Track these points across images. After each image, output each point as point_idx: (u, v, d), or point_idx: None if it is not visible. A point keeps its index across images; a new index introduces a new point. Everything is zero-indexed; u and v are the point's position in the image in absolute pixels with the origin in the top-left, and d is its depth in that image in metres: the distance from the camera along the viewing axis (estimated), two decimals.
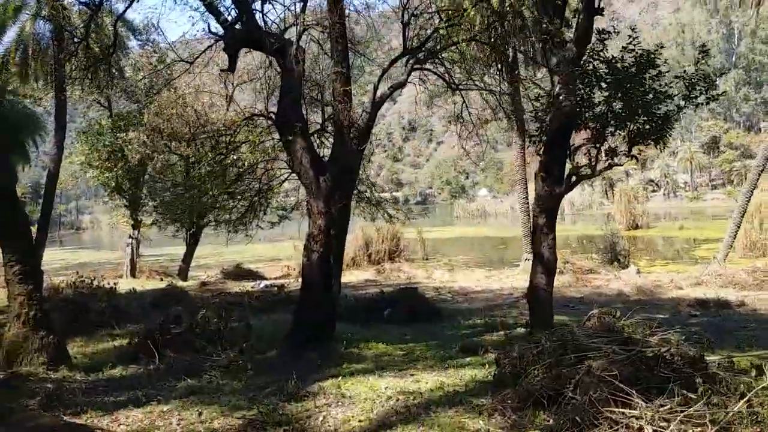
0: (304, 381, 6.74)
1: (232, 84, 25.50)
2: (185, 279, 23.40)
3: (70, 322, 11.20)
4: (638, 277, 16.74)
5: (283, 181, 9.50)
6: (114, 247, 45.51)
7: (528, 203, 20.96)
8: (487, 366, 6.67)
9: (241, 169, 10.06)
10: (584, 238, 32.90)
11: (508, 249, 35.24)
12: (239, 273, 22.04)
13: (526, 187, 21.00)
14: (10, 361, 7.29)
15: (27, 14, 18.02)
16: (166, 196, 18.04)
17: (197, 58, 10.55)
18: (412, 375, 6.61)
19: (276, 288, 15.13)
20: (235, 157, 8.62)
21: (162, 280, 22.72)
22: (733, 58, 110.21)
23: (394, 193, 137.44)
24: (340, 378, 6.56)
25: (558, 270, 19.38)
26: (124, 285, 16.69)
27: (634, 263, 21.48)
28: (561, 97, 7.61)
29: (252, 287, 18.05)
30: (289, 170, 9.37)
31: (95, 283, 14.10)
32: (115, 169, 22.32)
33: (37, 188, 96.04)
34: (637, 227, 44.53)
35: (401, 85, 9.07)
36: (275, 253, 34.81)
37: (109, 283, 14.08)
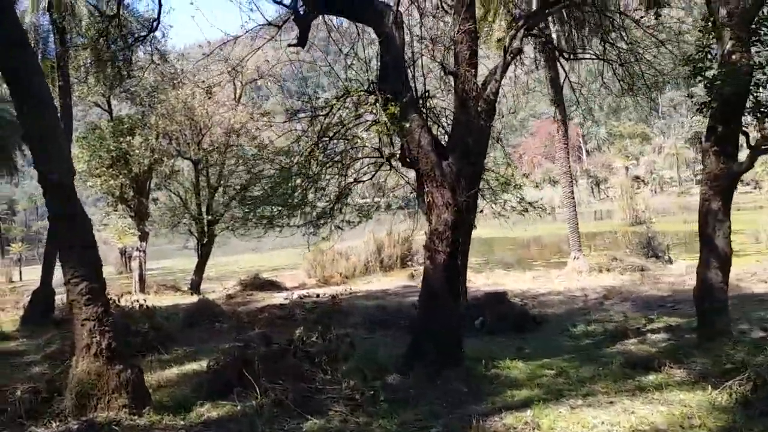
0: (468, 416, 5.32)
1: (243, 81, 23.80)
2: (198, 292, 21.62)
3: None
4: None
5: (378, 170, 7.98)
6: (103, 262, 43.24)
7: (573, 194, 19.71)
8: (702, 387, 5.31)
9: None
10: (593, 235, 31.99)
11: (519, 249, 34.13)
12: (259, 284, 20.35)
13: (571, 177, 19.67)
14: (82, 405, 5.71)
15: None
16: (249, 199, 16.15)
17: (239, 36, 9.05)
18: (610, 404, 5.21)
19: (331, 297, 13.60)
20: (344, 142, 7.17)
21: (176, 294, 21.03)
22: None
23: (375, 199, 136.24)
24: (528, 411, 5.12)
25: (607, 267, 18.42)
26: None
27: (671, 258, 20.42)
28: (734, 56, 6.35)
29: (286, 299, 16.55)
30: (378, 157, 7.90)
31: (121, 302, 12.47)
32: (120, 177, 20.55)
33: (12, 205, 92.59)
34: (640, 223, 43.78)
35: (519, 51, 7.69)
36: (278, 263, 33.25)
37: (139, 302, 12.43)
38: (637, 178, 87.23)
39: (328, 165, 7.41)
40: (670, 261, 19.97)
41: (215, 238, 22.95)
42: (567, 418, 4.85)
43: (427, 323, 6.87)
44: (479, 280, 17.98)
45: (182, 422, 5.86)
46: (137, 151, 20.33)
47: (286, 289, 20.08)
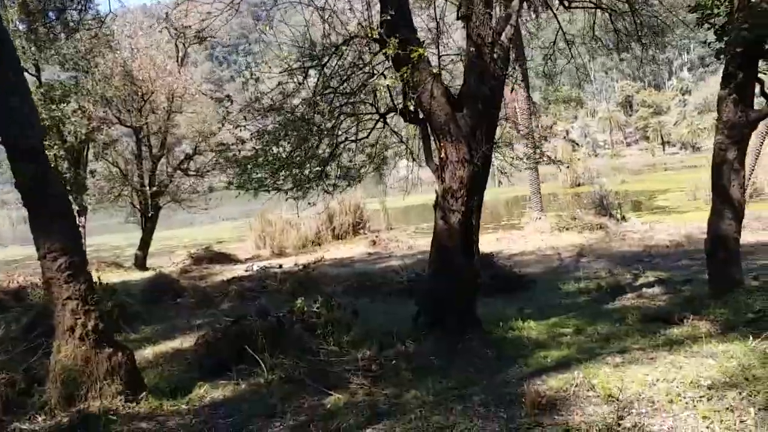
0: (507, 382, 4.99)
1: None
2: (144, 268, 20.46)
3: None
4: (658, 227, 15.90)
5: (373, 127, 7.39)
6: (25, 242, 40.43)
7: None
8: (737, 338, 5.18)
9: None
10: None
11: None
12: (211, 257, 19.36)
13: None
14: (69, 394, 4.98)
15: None
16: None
17: None
18: (652, 360, 4.98)
19: (302, 266, 12.99)
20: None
21: (121, 270, 19.77)
22: None
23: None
24: (576, 372, 4.80)
25: (566, 227, 18.60)
26: None
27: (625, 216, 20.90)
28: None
29: (246, 270, 15.83)
30: (374, 113, 7.31)
31: None
32: (53, 148, 18.89)
33: None
34: (579, 185, 44.92)
35: None
36: (221, 236, 32.17)
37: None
38: (572, 141, 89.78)
39: (328, 119, 6.76)
40: (624, 219, 20.44)
41: (160, 211, 21.73)
42: (617, 376, 4.58)
43: (440, 286, 6.45)
44: None
45: (185, 406, 5.26)
46: (72, 119, 18.73)
47: (241, 261, 19.28)
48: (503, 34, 6.20)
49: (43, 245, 5.13)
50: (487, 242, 17.03)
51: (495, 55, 6.18)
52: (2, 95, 5.15)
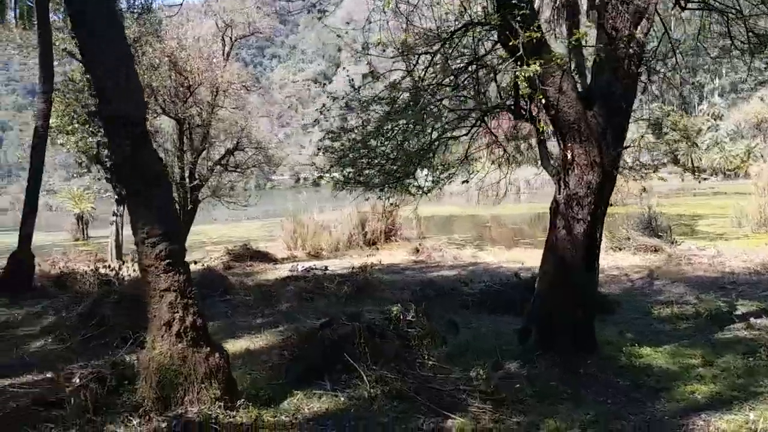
0: (660, 419, 4.37)
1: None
2: None
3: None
4: (726, 253, 15.11)
5: (475, 124, 6.83)
6: (51, 228, 40.27)
7: None
8: None
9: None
10: None
11: (494, 227, 33.50)
12: (250, 255, 18.88)
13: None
14: (165, 396, 4.45)
15: None
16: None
17: None
18: None
19: (359, 269, 12.44)
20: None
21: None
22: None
23: (333, 174, 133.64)
24: (751, 414, 4.18)
25: (618, 247, 17.88)
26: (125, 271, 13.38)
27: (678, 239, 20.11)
28: None
29: (291, 270, 15.33)
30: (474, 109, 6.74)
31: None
32: (97, 135, 18.59)
33: None
34: (611, 204, 43.98)
35: None
36: (243, 234, 31.76)
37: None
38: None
39: (430, 114, 6.20)
40: (675, 242, 19.65)
41: (199, 205, 21.31)
42: None
43: (556, 303, 5.84)
44: (492, 257, 17.12)
45: (286, 418, 4.70)
46: None
47: (278, 261, 18.76)
48: (639, 28, 5.63)
49: (141, 229, 4.63)
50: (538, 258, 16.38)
51: (630, 50, 5.60)
52: (110, 67, 4.67)
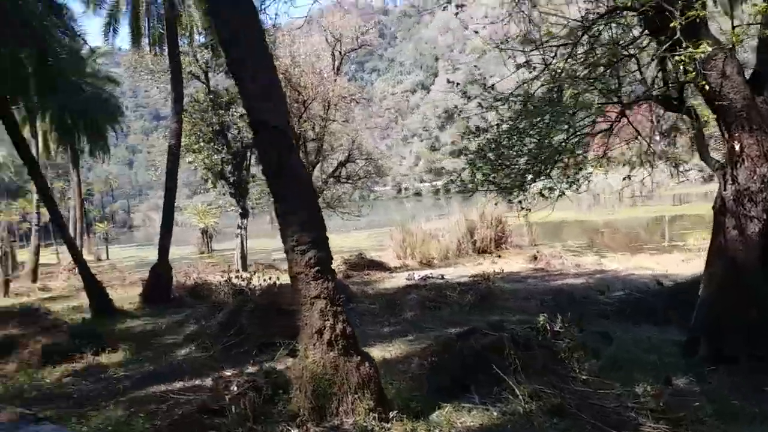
0: None
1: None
2: None
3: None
4: None
5: (617, 119, 6.36)
6: (179, 243, 43.14)
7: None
8: None
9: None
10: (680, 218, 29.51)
11: (608, 233, 31.63)
12: (365, 264, 19.05)
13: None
14: (322, 406, 4.42)
15: None
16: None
17: None
18: None
19: (482, 277, 12.15)
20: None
21: (280, 272, 20.06)
22: None
23: (434, 183, 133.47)
24: None
25: None
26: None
27: None
28: None
29: (408, 279, 15.27)
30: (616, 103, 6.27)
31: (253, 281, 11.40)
32: (222, 152, 19.68)
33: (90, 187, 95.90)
34: None
35: None
36: (352, 244, 32.18)
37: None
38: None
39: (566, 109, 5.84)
40: None
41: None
42: None
43: (725, 306, 5.26)
44: (617, 264, 16.10)
45: None
46: (240, 125, 19.39)
47: (392, 270, 18.74)
48: None
49: (290, 237, 4.66)
50: (675, 265, 15.16)
51: None
52: (260, 83, 4.77)
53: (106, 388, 7.17)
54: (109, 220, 62.22)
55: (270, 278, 11.51)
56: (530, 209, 7.45)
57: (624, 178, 6.79)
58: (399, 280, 15.49)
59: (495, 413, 4.86)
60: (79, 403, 6.69)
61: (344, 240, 33.92)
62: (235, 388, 4.65)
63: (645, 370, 5.41)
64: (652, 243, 25.22)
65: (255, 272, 12.73)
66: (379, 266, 19.08)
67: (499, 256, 20.70)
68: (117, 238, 65.00)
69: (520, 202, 7.14)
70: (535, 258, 18.45)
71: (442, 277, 14.94)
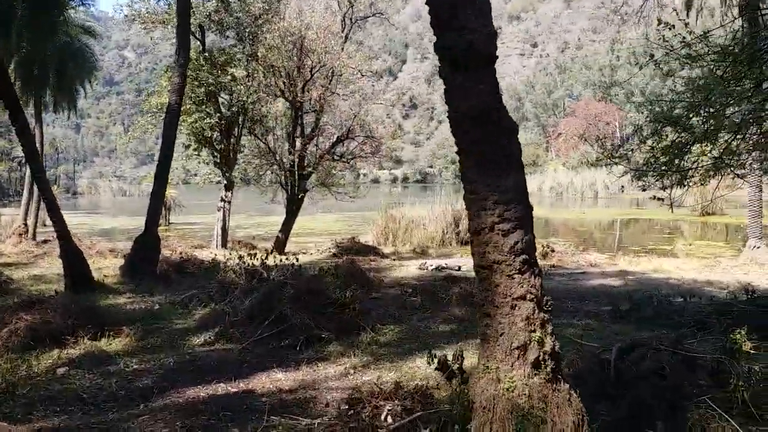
0: None
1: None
2: (282, 252, 18.94)
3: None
4: None
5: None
6: (134, 213, 40.36)
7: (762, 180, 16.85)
8: None
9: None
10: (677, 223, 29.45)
11: (601, 232, 31.16)
12: (358, 248, 17.58)
13: None
14: None
15: None
16: None
17: None
18: None
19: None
20: None
21: (268, 253, 18.40)
22: None
23: (392, 171, 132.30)
24: None
25: None
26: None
27: None
28: None
29: (420, 268, 14.06)
30: None
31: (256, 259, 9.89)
32: (214, 116, 17.77)
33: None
34: (708, 213, 40.54)
35: None
36: (328, 227, 30.79)
37: (290, 260, 9.79)
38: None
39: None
40: None
41: (306, 194, 20.24)
42: None
43: None
44: (626, 265, 15.20)
45: None
46: (239, 87, 17.49)
47: (386, 256, 17.31)
48: None
49: (490, 210, 3.27)
50: (693, 269, 14.42)
51: None
52: None
53: (121, 387, 5.59)
54: (53, 185, 58.25)
55: (287, 258, 10.01)
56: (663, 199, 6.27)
57: None
58: (410, 268, 14.19)
59: None
60: (95, 405, 5.12)
61: (312, 223, 32.27)
62: (390, 420, 3.22)
63: None
64: (642, 244, 24.64)
65: (233, 250, 11.12)
66: (373, 251, 17.71)
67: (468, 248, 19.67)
68: (61, 204, 60.91)
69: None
70: (546, 255, 17.45)
71: (459, 269, 13.77)
